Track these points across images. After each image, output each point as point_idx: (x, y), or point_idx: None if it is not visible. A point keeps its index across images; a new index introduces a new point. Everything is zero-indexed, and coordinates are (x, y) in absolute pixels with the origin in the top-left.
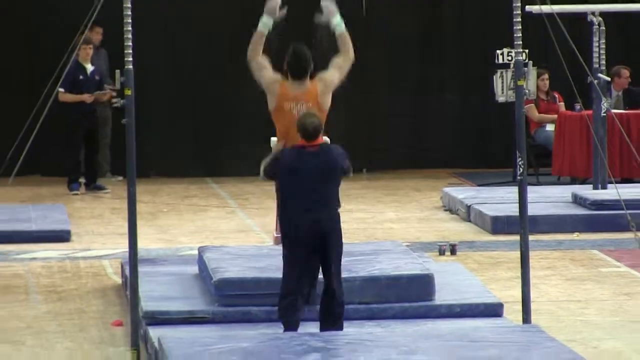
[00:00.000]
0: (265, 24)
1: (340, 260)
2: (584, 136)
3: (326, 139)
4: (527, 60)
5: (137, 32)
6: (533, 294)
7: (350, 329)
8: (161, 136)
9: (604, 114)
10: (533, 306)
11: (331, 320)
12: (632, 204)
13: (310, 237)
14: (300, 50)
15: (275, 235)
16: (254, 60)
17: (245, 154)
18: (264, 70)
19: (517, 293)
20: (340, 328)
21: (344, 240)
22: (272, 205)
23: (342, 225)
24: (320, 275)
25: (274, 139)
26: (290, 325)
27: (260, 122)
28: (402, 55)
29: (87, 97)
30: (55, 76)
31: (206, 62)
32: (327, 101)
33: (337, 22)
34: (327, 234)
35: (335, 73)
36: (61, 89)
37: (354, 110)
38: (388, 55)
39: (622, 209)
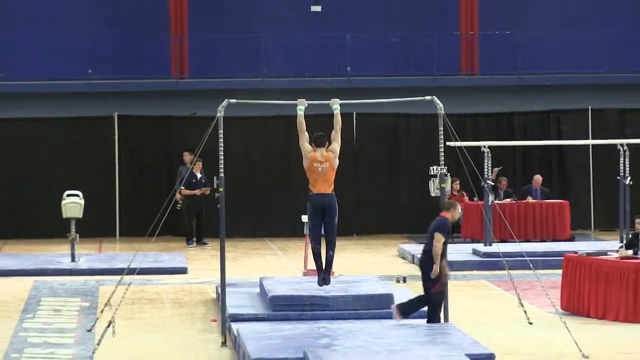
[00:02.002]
0: (301, 109)
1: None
2: (479, 216)
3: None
4: (446, 173)
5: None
6: (450, 305)
7: (345, 325)
8: (239, 213)
9: (490, 204)
10: (450, 312)
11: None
12: (506, 254)
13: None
14: (320, 134)
15: (304, 271)
16: (302, 134)
17: (287, 224)
18: (305, 143)
19: None
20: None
21: (345, 274)
22: (302, 253)
23: (342, 266)
24: None
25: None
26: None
27: (295, 208)
28: (376, 169)
29: (197, 192)
30: (180, 180)
31: (265, 169)
32: (336, 163)
33: (336, 107)
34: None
35: (336, 145)
36: (182, 187)
37: (349, 201)
38: (368, 169)
39: (500, 257)
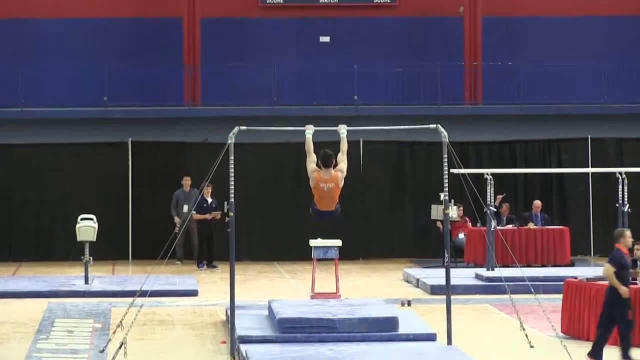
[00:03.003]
0: (309, 132)
1: None
2: (482, 241)
3: (338, 242)
4: (450, 199)
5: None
6: (453, 328)
7: (351, 347)
8: (248, 238)
9: (493, 230)
10: (453, 335)
11: None
12: (507, 278)
13: None
14: (327, 152)
15: (311, 294)
16: (309, 155)
17: (295, 249)
18: (312, 163)
19: (444, 328)
20: None
21: (351, 297)
22: (309, 276)
23: (348, 289)
24: None
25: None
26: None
27: (303, 233)
28: (382, 195)
29: (208, 216)
30: (192, 204)
31: (274, 194)
32: (342, 183)
33: (343, 132)
34: None
35: (344, 165)
36: (194, 212)
37: (356, 225)
38: (375, 195)
39: (502, 282)
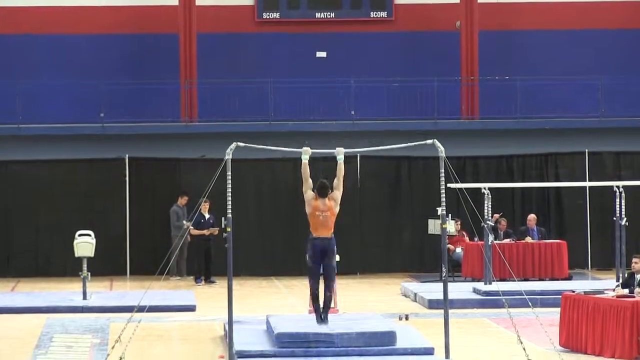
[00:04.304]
0: (306, 158)
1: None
2: (479, 256)
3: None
4: (448, 214)
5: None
6: (451, 343)
7: None
8: (246, 253)
9: (490, 244)
10: (451, 350)
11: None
12: (505, 292)
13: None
14: (324, 183)
15: (309, 308)
16: (306, 182)
17: (292, 264)
18: (309, 191)
19: (442, 342)
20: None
21: (349, 311)
22: (307, 291)
23: (346, 304)
24: None
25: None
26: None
27: (300, 248)
28: (379, 210)
29: (205, 232)
30: (189, 219)
31: (272, 210)
32: (337, 210)
33: (340, 158)
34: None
35: (338, 193)
36: (192, 227)
37: (353, 241)
38: (371, 210)
39: (500, 296)
